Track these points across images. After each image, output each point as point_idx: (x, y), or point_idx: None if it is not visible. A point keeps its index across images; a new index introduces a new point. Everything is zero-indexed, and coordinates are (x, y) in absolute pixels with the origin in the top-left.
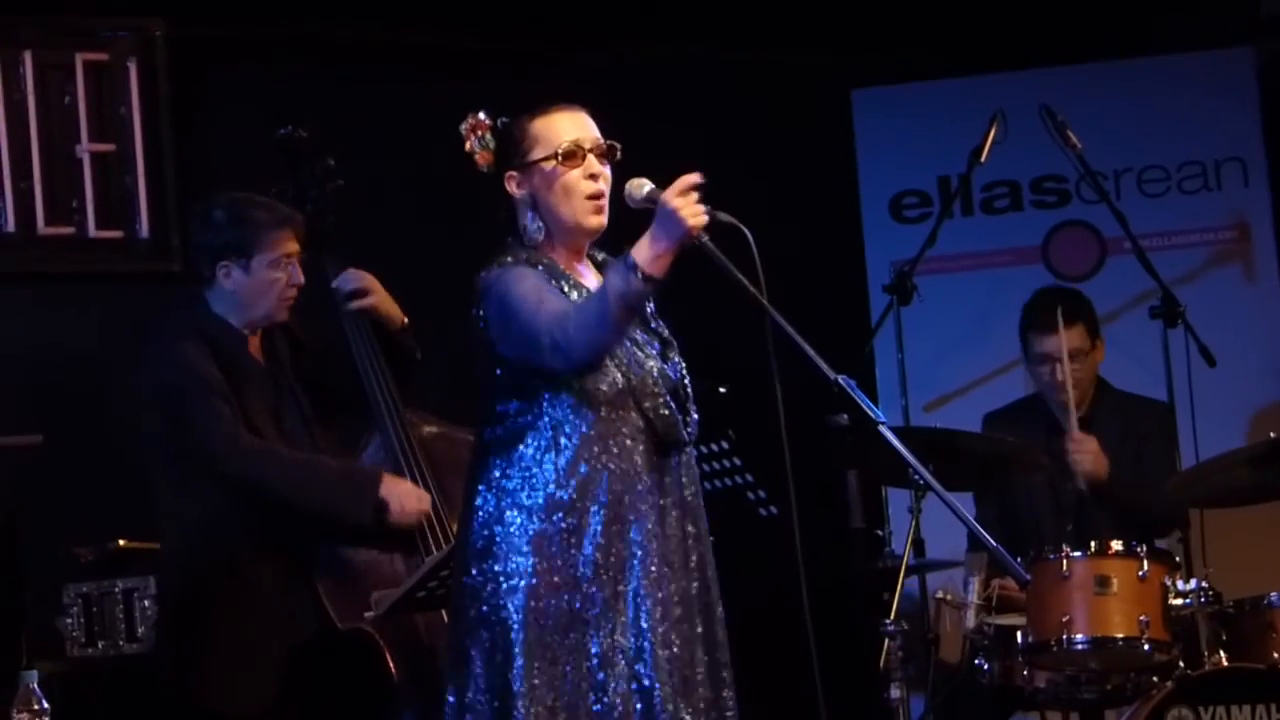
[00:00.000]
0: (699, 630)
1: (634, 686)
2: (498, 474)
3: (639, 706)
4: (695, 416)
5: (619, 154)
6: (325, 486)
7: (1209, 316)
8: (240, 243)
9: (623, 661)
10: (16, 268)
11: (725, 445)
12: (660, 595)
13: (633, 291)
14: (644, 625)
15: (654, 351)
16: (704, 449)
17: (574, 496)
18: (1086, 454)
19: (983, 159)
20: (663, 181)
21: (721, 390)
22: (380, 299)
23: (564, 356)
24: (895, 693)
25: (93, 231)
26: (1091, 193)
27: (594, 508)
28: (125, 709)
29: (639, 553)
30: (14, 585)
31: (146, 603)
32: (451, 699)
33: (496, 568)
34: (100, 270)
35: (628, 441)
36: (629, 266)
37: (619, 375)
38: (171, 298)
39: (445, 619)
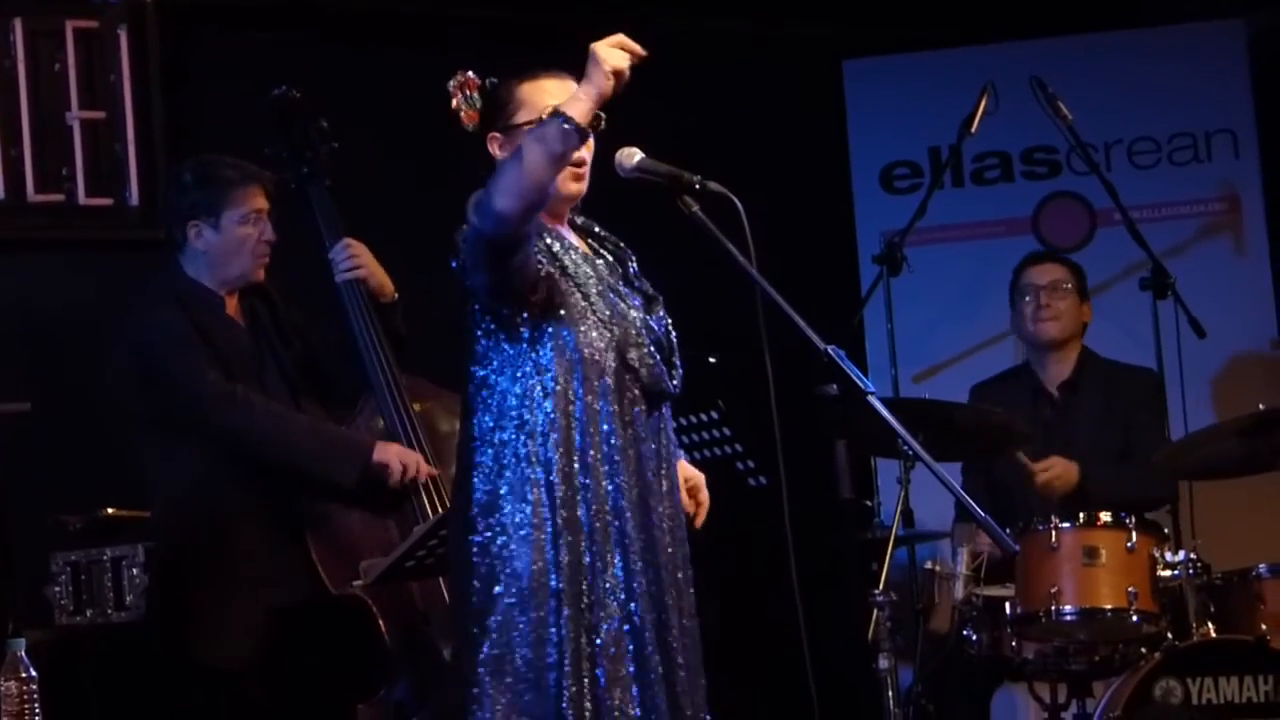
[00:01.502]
0: (678, 575)
1: (626, 627)
2: (491, 426)
3: (631, 646)
4: (681, 370)
5: (603, 124)
6: (315, 443)
7: (1199, 288)
8: (208, 202)
9: (614, 602)
10: (6, 235)
11: (715, 415)
12: (644, 538)
13: (548, 128)
14: (634, 567)
15: (637, 304)
16: (693, 419)
17: (563, 445)
18: (1054, 476)
19: (973, 130)
20: (652, 150)
21: (711, 360)
22: (372, 271)
23: (485, 209)
24: (884, 663)
25: (83, 199)
26: (1082, 164)
27: (582, 455)
28: (113, 677)
29: (623, 499)
30: (2, 553)
31: (135, 571)
32: (475, 653)
33: (505, 520)
34: (90, 237)
35: (613, 391)
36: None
37: (604, 324)
38: (160, 265)
39: (443, 585)
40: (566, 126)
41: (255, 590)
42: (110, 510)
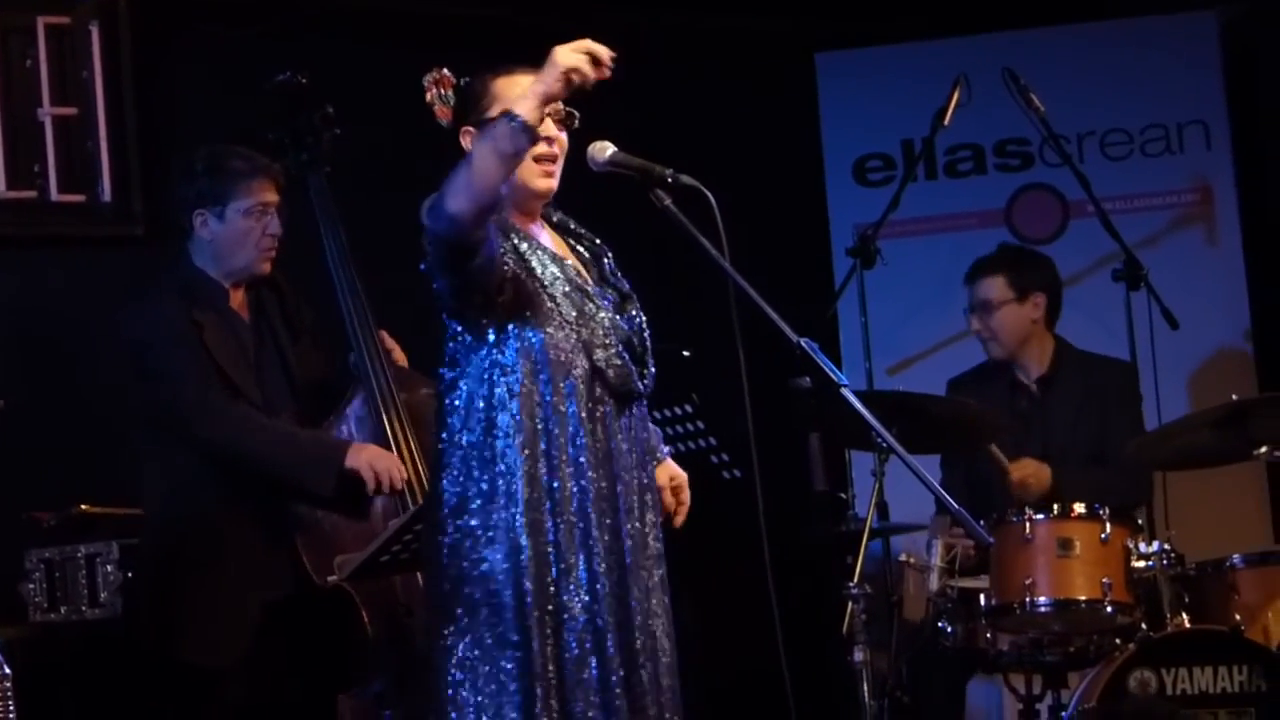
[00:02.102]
0: (645, 576)
1: (589, 630)
2: (458, 428)
3: (593, 649)
4: (652, 369)
5: (576, 121)
6: (291, 455)
7: (1171, 279)
8: (214, 191)
9: (578, 604)
10: None
11: (689, 409)
12: (609, 540)
13: (497, 128)
14: (597, 569)
15: (607, 304)
16: (667, 412)
17: (529, 447)
18: (1028, 475)
19: (946, 122)
20: (624, 144)
21: (685, 354)
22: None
23: (438, 212)
24: (858, 655)
25: (55, 195)
26: (1054, 156)
27: (548, 457)
28: (88, 674)
29: (589, 502)
30: None
31: (109, 568)
32: (447, 655)
33: (473, 523)
34: (62, 234)
35: (581, 392)
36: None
37: (570, 325)
38: (134, 262)
39: (420, 579)
40: (514, 124)
41: (242, 585)
42: (84, 507)
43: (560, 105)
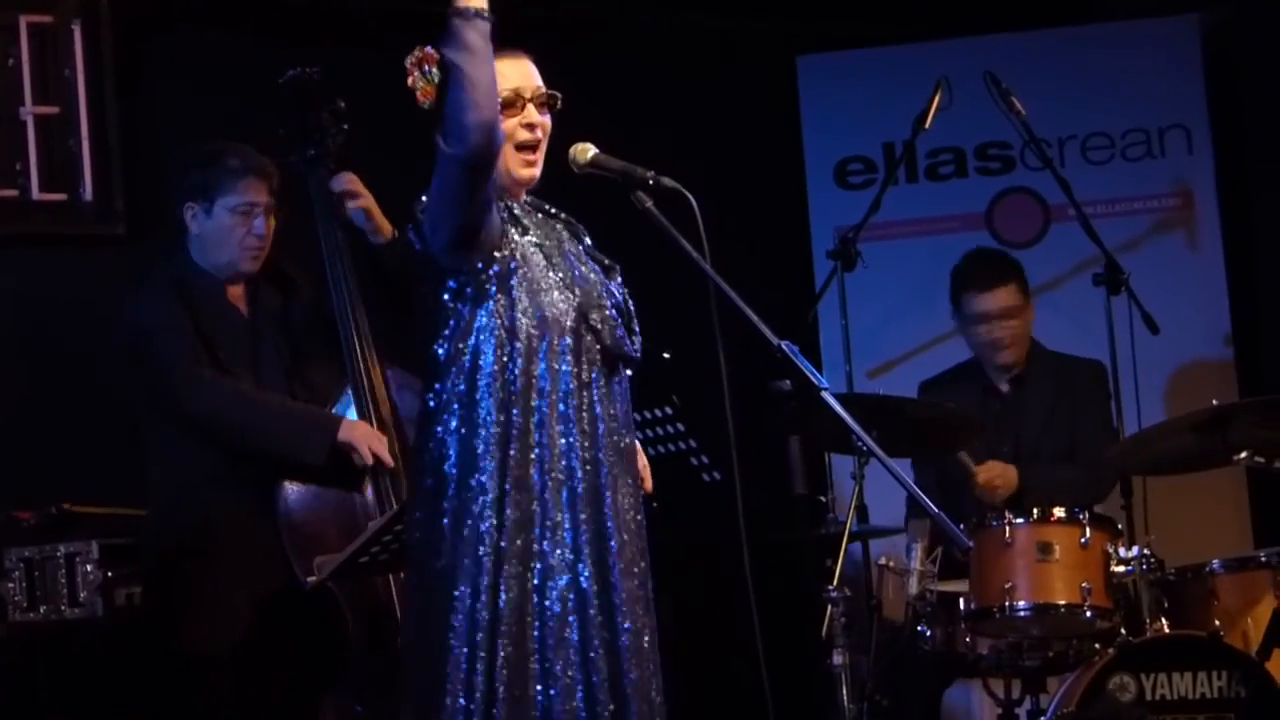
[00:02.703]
0: (628, 541)
1: (570, 591)
2: (450, 390)
3: (574, 609)
4: (639, 337)
5: (559, 104)
6: (282, 422)
7: (1152, 284)
8: (204, 185)
9: (561, 564)
10: None
11: (669, 411)
12: (594, 501)
13: (457, 32)
14: (581, 529)
15: (596, 270)
16: (647, 414)
17: (520, 404)
18: (993, 476)
19: (927, 125)
20: (605, 145)
21: (665, 356)
22: (371, 202)
23: (460, 131)
24: (838, 659)
25: (36, 194)
26: (1036, 160)
27: (539, 414)
28: (67, 673)
29: (575, 460)
30: None
31: (89, 567)
32: (448, 617)
33: (469, 481)
34: (43, 232)
35: (573, 351)
36: None
37: (565, 286)
38: (115, 261)
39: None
40: (466, 19)
41: (235, 579)
42: (65, 506)
43: (543, 88)
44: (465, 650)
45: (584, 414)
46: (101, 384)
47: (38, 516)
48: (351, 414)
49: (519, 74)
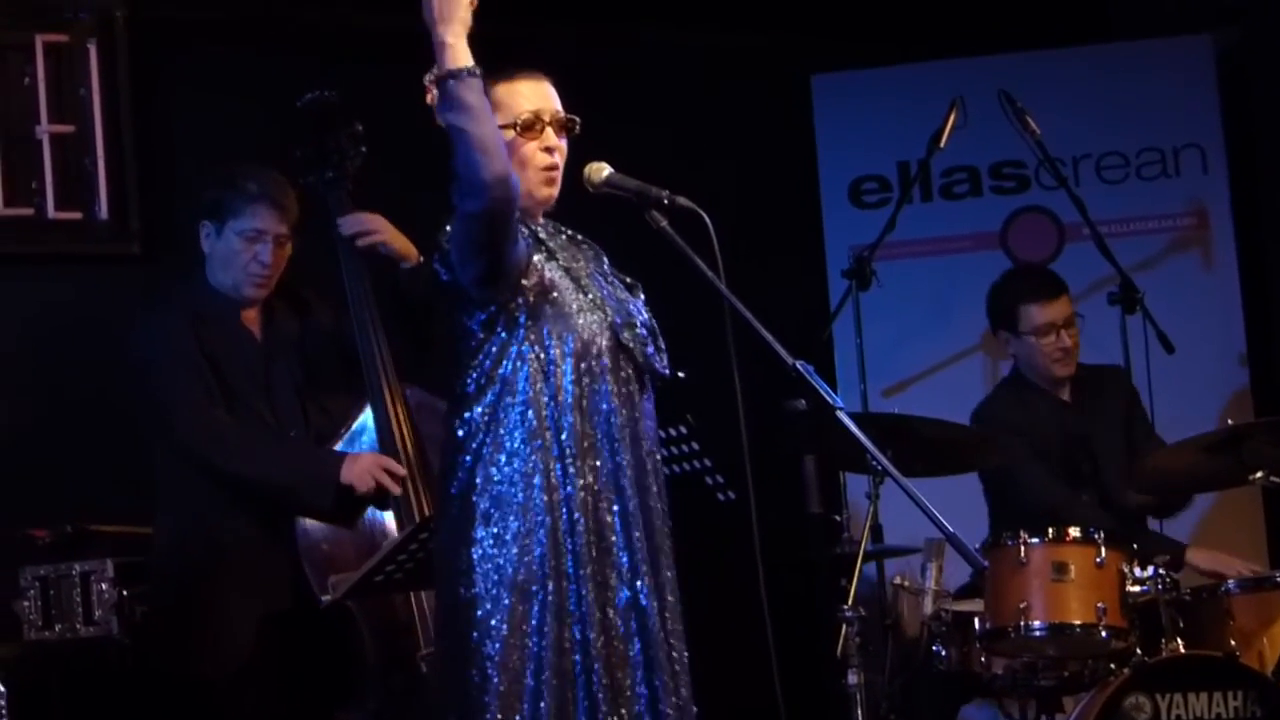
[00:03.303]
0: (663, 557)
1: (632, 608)
2: (488, 416)
3: (636, 625)
4: (665, 353)
5: (578, 127)
6: (287, 475)
7: (1167, 303)
8: (217, 205)
9: (619, 581)
10: None
11: (684, 430)
12: (645, 518)
13: (455, 95)
14: (636, 545)
15: (621, 289)
16: (662, 433)
17: (564, 426)
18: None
19: (942, 144)
20: (620, 165)
21: (680, 375)
22: (390, 235)
23: (475, 186)
24: (852, 678)
25: (52, 213)
26: (1050, 179)
27: (584, 436)
28: (82, 691)
29: (624, 478)
30: None
31: (104, 585)
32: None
33: (510, 505)
34: (59, 251)
35: (610, 370)
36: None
37: (596, 306)
38: (130, 279)
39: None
40: (461, 80)
41: (247, 600)
42: (79, 525)
43: (561, 111)
44: (496, 679)
45: (626, 431)
46: (116, 402)
47: (53, 535)
48: (370, 435)
49: (539, 96)
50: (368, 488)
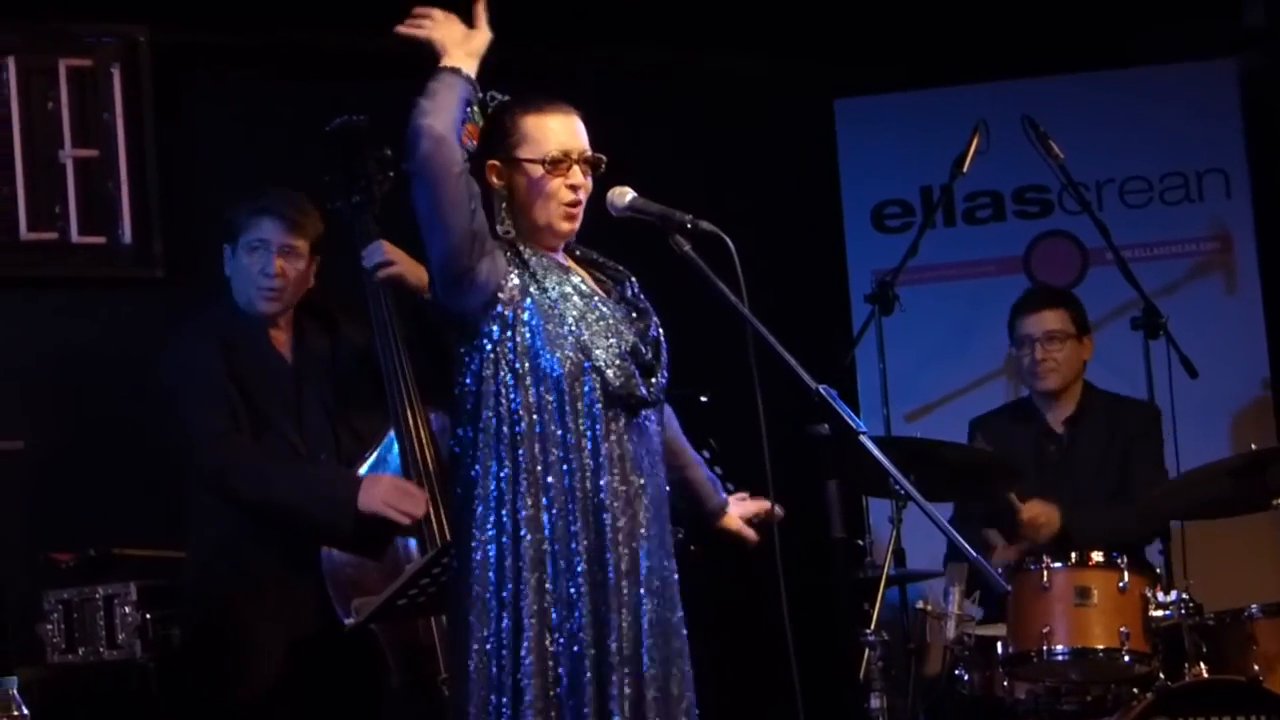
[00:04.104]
0: (655, 585)
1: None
2: (469, 437)
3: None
4: (663, 380)
5: (603, 167)
6: (306, 503)
7: (1190, 328)
8: (231, 224)
9: (566, 604)
10: None
11: (706, 455)
12: (630, 541)
13: (451, 82)
14: (608, 569)
15: (620, 314)
16: None
17: (531, 455)
18: (1036, 514)
19: (965, 169)
20: (644, 189)
21: (703, 399)
22: (408, 267)
23: (414, 140)
24: (875, 703)
25: (75, 237)
26: (1074, 203)
27: (544, 459)
28: (105, 715)
29: (606, 497)
30: None
31: (127, 609)
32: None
33: (507, 520)
34: (83, 275)
35: (583, 399)
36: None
37: (573, 330)
38: (154, 304)
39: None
40: (464, 79)
41: (274, 626)
42: (103, 548)
43: (589, 150)
44: (484, 691)
45: (607, 454)
46: (139, 427)
47: (76, 559)
48: (394, 458)
49: (568, 134)
50: (390, 516)
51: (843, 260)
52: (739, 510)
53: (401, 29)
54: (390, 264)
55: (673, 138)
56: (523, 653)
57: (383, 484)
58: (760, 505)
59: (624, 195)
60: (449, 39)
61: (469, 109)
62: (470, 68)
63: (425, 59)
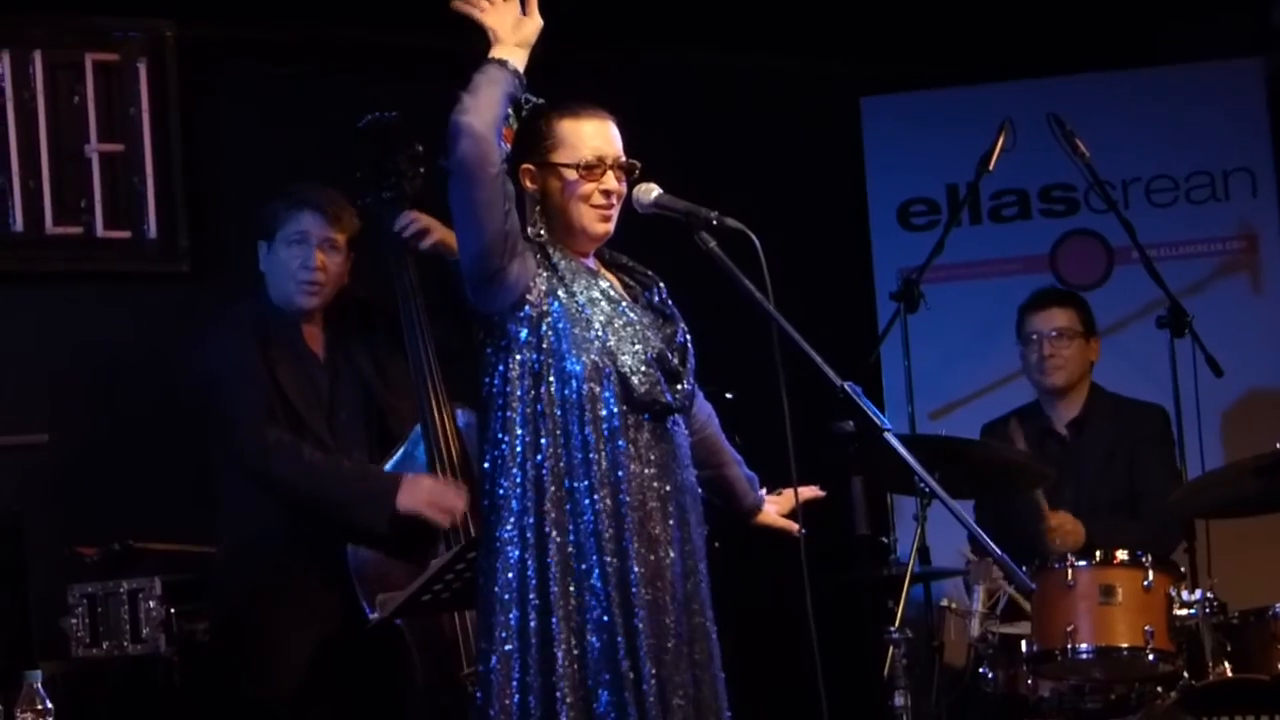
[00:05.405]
0: (671, 582)
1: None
2: (499, 438)
3: (609, 641)
4: (688, 386)
5: (637, 172)
6: (341, 494)
7: (1216, 326)
8: (268, 219)
9: (598, 607)
10: (24, 267)
11: None
12: (637, 545)
13: (501, 74)
14: (630, 571)
15: (648, 320)
16: None
17: (553, 455)
18: (1062, 523)
19: (991, 167)
20: (670, 186)
21: (728, 396)
22: (443, 233)
23: (454, 137)
24: (899, 700)
25: (101, 232)
26: (1100, 202)
27: (569, 465)
28: (129, 709)
29: (623, 504)
30: (19, 585)
31: (151, 603)
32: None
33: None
34: (108, 270)
35: (604, 401)
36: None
37: (600, 335)
38: (179, 298)
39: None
40: (514, 72)
41: (302, 620)
42: (128, 542)
43: (623, 155)
44: (507, 694)
45: (632, 456)
46: (165, 421)
47: (101, 553)
48: (420, 454)
49: (603, 138)
50: (431, 516)
51: (868, 258)
52: (776, 506)
53: (457, 3)
54: (428, 232)
55: (698, 135)
56: (556, 654)
57: (424, 484)
58: (794, 500)
59: (650, 192)
60: (501, 26)
61: (506, 115)
62: (519, 59)
63: (456, 56)
